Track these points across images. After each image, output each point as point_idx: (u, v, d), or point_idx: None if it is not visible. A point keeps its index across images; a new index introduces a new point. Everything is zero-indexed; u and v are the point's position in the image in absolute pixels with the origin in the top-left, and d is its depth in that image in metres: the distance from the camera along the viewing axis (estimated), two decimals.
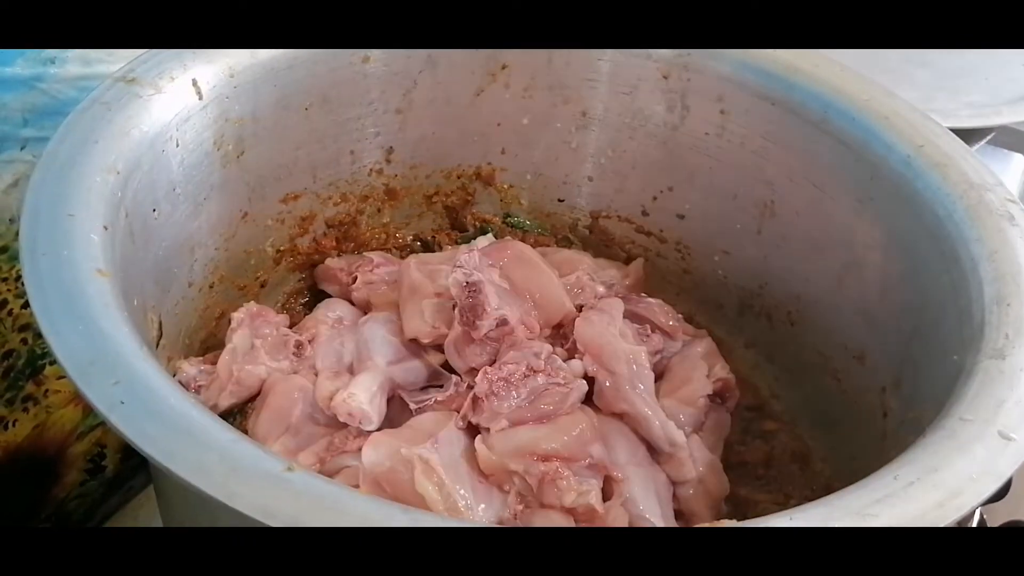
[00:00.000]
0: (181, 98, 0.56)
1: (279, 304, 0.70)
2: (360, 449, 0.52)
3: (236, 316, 0.60)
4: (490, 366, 0.56)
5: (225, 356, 0.58)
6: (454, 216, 0.75)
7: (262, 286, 0.68)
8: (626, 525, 0.53)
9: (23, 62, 0.57)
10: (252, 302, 0.62)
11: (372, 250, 0.71)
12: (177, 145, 0.55)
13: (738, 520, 0.39)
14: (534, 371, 0.55)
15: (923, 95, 0.87)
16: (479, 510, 0.50)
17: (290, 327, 0.63)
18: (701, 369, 0.62)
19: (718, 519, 0.47)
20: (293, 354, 0.59)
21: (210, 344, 0.63)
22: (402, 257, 0.71)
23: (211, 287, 0.62)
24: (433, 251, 0.73)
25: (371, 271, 0.67)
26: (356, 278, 0.67)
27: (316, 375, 0.58)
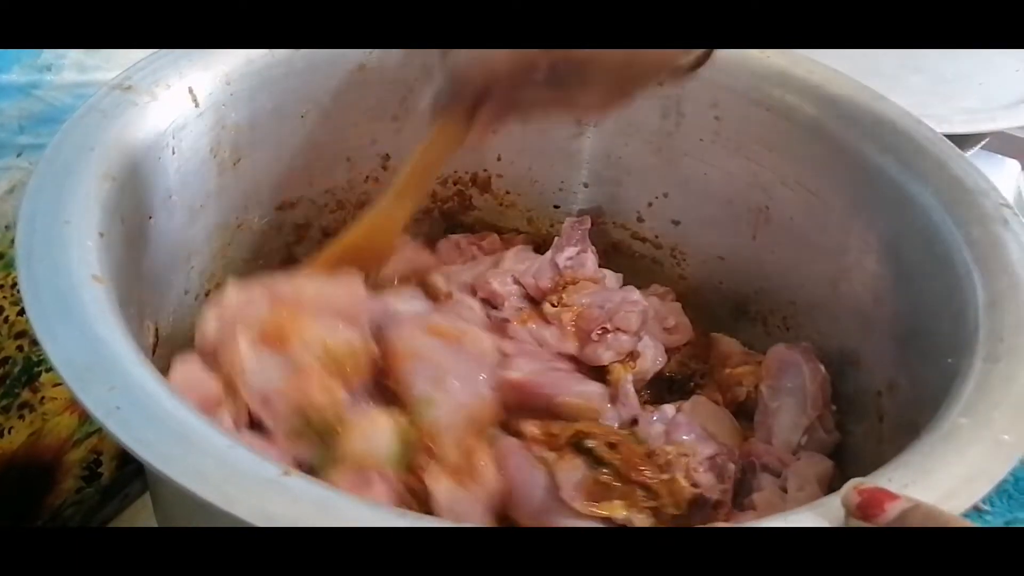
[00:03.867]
0: (177, 105, 0.56)
1: None
2: None
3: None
4: None
5: None
6: (451, 223, 0.75)
7: None
8: None
9: (19, 69, 0.57)
10: None
11: None
12: (173, 152, 0.56)
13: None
14: None
15: (917, 100, 0.87)
16: None
17: None
18: None
19: None
20: None
21: None
22: None
23: (207, 295, 0.62)
24: None
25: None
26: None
27: None
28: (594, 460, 0.54)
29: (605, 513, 0.52)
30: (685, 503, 0.53)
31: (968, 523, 0.30)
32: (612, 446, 0.54)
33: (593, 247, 0.70)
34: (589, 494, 0.53)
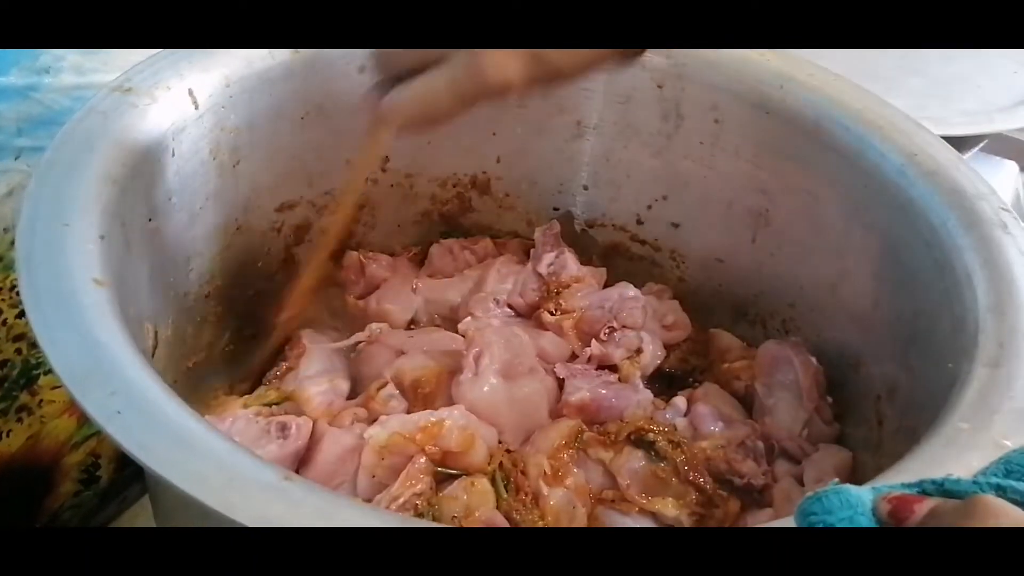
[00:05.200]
0: (177, 108, 0.56)
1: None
2: None
3: None
4: None
5: None
6: (450, 225, 0.75)
7: (258, 295, 0.68)
8: None
9: (17, 72, 0.57)
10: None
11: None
12: (173, 155, 0.55)
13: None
14: None
15: (916, 103, 0.87)
16: None
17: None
18: None
19: None
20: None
21: (209, 354, 0.63)
22: None
23: (207, 296, 0.62)
24: None
25: None
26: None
27: None
28: (655, 454, 0.57)
29: (656, 508, 0.54)
30: (733, 516, 0.56)
31: (991, 522, 0.30)
32: (675, 444, 0.56)
33: (569, 247, 0.71)
34: (644, 486, 0.54)
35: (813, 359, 0.62)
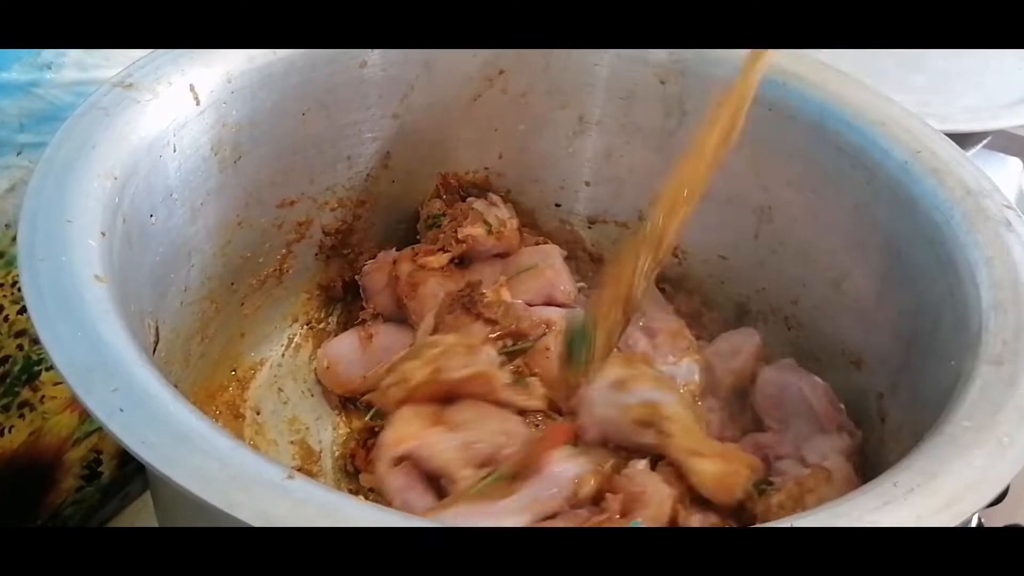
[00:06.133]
0: (178, 103, 0.55)
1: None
2: None
3: None
4: None
5: None
6: None
7: (259, 291, 0.68)
8: None
9: (20, 67, 0.57)
10: None
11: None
12: (174, 150, 0.55)
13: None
14: None
15: (919, 99, 0.87)
16: None
17: None
18: None
19: None
20: None
21: (205, 350, 0.63)
22: None
23: (208, 293, 0.62)
24: None
25: None
26: None
27: None
28: None
29: None
30: None
31: None
32: None
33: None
34: None
35: (815, 377, 0.60)
